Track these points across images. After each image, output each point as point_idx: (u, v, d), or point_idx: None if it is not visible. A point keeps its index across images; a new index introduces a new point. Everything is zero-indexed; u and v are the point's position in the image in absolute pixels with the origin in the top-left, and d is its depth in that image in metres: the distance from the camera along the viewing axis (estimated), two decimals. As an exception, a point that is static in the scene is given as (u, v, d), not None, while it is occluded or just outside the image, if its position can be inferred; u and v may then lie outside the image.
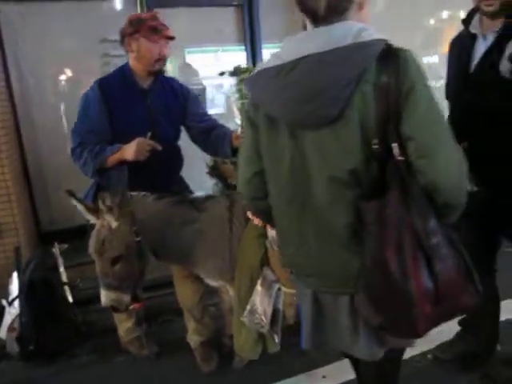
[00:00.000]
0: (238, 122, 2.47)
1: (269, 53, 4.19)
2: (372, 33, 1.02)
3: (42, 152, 3.55)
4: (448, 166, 1.00)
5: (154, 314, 2.79)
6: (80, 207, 1.89)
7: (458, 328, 2.20)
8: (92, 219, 1.90)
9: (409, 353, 2.25)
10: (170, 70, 4.06)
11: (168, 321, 2.79)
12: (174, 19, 3.85)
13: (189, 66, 4.09)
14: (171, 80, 2.27)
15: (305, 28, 3.71)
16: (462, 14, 5.02)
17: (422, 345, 2.28)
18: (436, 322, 1.05)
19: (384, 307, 1.05)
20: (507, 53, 1.37)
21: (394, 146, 0.99)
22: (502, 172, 1.53)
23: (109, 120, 2.03)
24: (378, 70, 0.99)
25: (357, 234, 1.07)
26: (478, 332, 2.08)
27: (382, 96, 0.98)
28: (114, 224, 1.83)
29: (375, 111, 0.99)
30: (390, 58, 0.99)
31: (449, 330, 2.25)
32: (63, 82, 3.72)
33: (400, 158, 0.99)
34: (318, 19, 1.06)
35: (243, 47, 4.01)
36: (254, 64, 4.00)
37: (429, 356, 2.24)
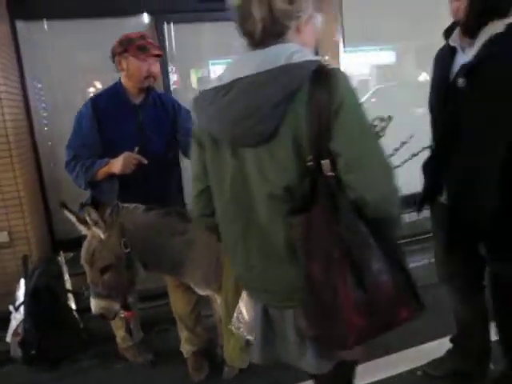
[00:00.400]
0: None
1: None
2: (304, 55, 1.05)
3: (58, 164, 3.69)
4: (376, 181, 1.02)
5: (152, 322, 2.86)
6: (72, 218, 1.98)
7: (449, 345, 2.16)
8: (83, 230, 1.98)
9: (398, 369, 2.24)
10: (194, 80, 4.20)
11: (165, 330, 2.84)
12: (199, 34, 3.99)
13: (207, 77, 4.19)
14: (163, 96, 2.35)
15: (316, 43, 3.74)
16: None
17: (411, 361, 2.26)
18: (370, 335, 1.05)
19: (316, 319, 1.07)
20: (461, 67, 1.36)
21: (325, 162, 1.02)
22: (473, 188, 1.51)
23: (101, 135, 2.13)
24: (311, 90, 1.01)
25: (296, 249, 1.08)
26: (467, 351, 2.04)
27: (314, 114, 1.00)
28: (103, 235, 1.90)
29: (308, 129, 1.02)
30: (322, 77, 1.02)
31: (440, 346, 2.22)
32: (80, 96, 3.87)
33: (330, 173, 1.02)
34: (255, 42, 1.10)
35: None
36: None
37: (418, 372, 2.20)
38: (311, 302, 1.05)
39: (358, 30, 4.10)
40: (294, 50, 1.05)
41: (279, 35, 1.09)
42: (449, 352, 2.15)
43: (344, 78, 1.04)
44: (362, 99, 5.03)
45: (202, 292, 2.19)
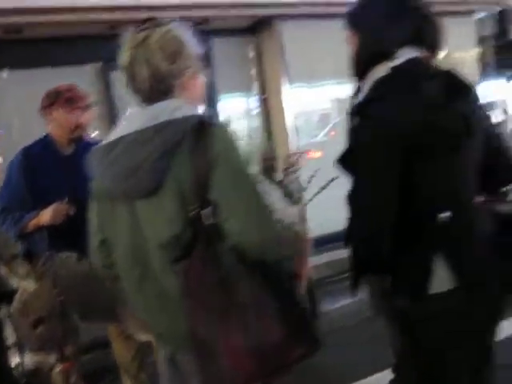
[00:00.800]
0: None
1: (226, 104, 4.37)
2: (187, 110, 1.11)
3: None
4: (253, 228, 1.06)
5: (102, 372, 2.78)
6: (3, 271, 1.96)
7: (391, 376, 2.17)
8: (15, 283, 1.96)
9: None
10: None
11: (115, 379, 2.77)
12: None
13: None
14: (94, 144, 2.37)
15: (262, 82, 3.87)
16: (456, 53, 5.05)
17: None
18: (261, 376, 1.07)
19: (204, 364, 1.08)
20: None
21: (205, 211, 1.06)
22: None
23: (32, 186, 2.14)
24: (191, 143, 1.07)
25: None
26: (407, 380, 2.05)
27: (195, 167, 1.05)
28: (35, 287, 1.88)
29: (191, 181, 1.06)
30: (202, 131, 1.07)
31: (383, 378, 2.23)
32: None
33: (210, 222, 1.06)
34: (144, 99, 1.16)
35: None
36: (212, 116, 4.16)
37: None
38: (197, 347, 1.07)
39: (309, 66, 4.25)
40: (177, 106, 1.12)
41: (166, 92, 1.15)
42: (391, 382, 2.16)
43: (223, 130, 1.11)
44: (322, 133, 5.17)
45: (141, 338, 2.16)
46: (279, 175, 2.03)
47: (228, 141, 1.10)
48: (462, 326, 1.28)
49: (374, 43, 1.33)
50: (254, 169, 1.23)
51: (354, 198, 1.29)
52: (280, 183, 1.94)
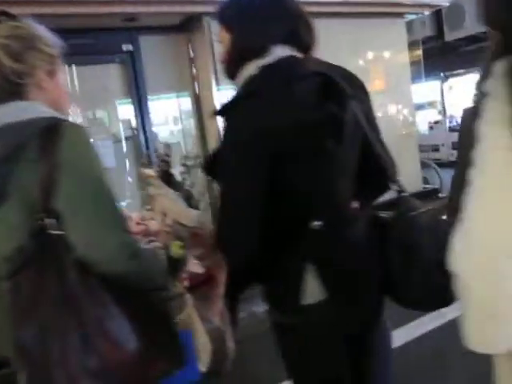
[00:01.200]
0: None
1: (158, 104, 4.27)
2: (37, 111, 1.03)
3: None
4: (98, 240, 1.00)
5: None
6: None
7: None
8: None
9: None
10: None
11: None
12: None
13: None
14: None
15: (194, 81, 3.72)
16: (387, 54, 5.17)
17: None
18: None
19: None
20: None
21: (50, 221, 0.98)
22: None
23: None
24: (39, 147, 0.99)
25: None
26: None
27: (42, 172, 0.98)
28: None
29: (37, 188, 0.98)
30: (52, 134, 1.00)
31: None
32: None
33: (56, 232, 0.98)
34: None
35: (130, 100, 4.07)
36: (142, 116, 4.06)
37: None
38: (30, 367, 0.97)
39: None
40: (24, 108, 1.04)
41: (16, 93, 1.07)
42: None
43: (75, 133, 1.03)
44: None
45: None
46: (179, 177, 1.95)
47: (79, 144, 1.02)
48: (335, 337, 1.24)
49: (244, 41, 1.27)
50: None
51: (220, 205, 1.21)
52: (179, 186, 1.86)
